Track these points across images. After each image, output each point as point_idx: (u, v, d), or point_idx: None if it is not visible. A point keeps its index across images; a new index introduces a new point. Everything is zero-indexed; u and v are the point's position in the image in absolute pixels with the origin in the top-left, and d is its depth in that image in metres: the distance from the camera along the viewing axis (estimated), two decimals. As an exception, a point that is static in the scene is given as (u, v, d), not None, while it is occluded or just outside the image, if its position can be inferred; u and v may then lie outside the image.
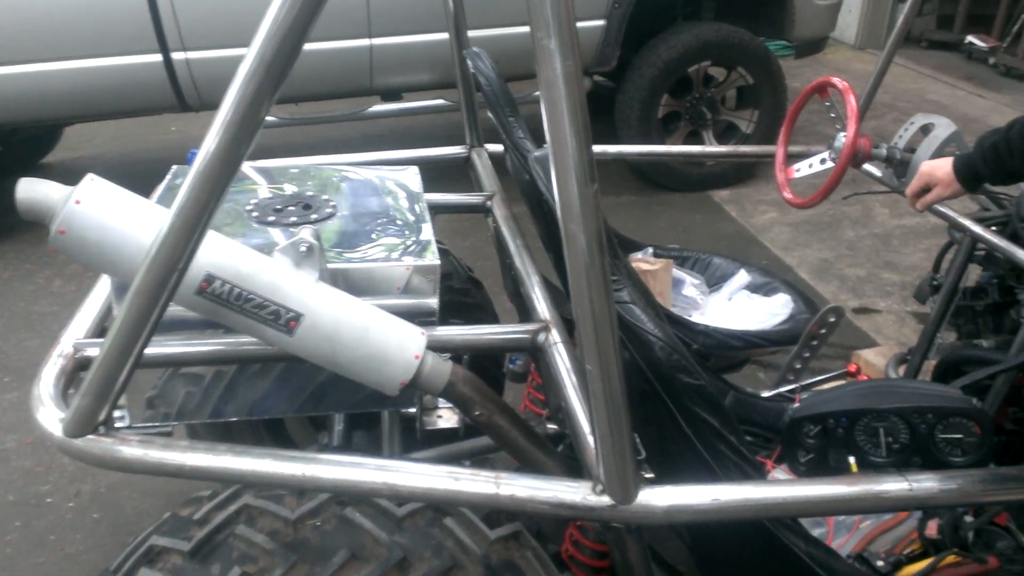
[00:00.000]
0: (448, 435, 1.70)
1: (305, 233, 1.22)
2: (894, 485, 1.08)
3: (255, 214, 1.42)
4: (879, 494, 1.08)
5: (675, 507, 1.05)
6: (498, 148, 2.19)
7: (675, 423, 1.19)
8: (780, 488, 1.08)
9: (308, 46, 0.86)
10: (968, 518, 1.49)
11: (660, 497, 1.06)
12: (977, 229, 1.91)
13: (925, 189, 1.79)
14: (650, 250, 2.34)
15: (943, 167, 1.73)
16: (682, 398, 1.16)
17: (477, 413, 1.28)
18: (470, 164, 2.21)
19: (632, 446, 1.03)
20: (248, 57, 0.83)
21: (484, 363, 2.20)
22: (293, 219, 1.42)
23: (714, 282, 2.43)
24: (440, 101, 4.57)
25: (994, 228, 2.05)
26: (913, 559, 1.44)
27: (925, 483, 1.08)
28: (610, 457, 1.03)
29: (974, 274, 2.12)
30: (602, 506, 1.05)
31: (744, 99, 4.83)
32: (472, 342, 1.40)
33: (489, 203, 1.97)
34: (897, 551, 1.48)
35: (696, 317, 2.26)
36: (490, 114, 1.86)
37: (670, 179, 4.85)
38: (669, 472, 1.28)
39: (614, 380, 1.00)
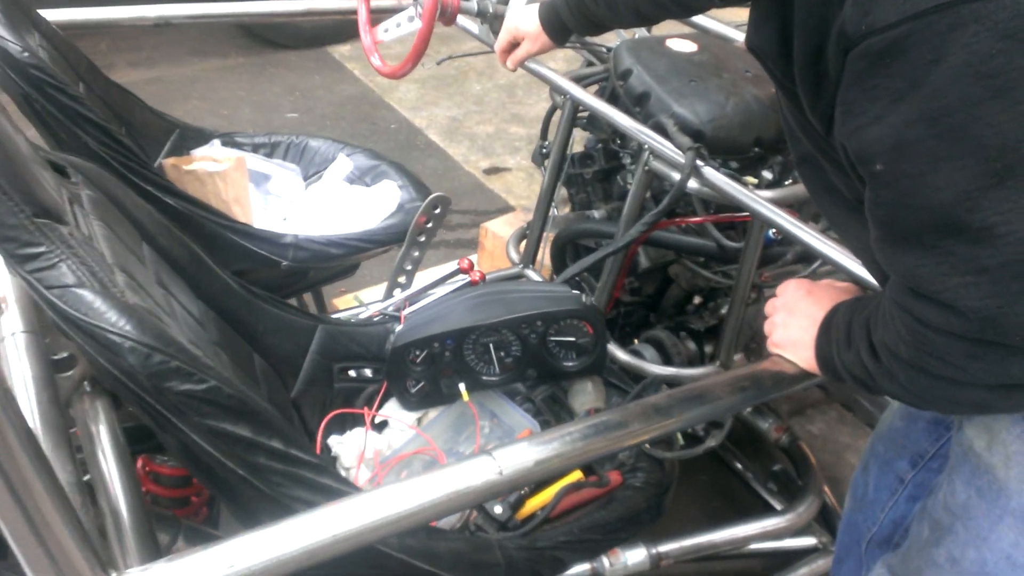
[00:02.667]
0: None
1: None
2: (483, 473, 0.83)
3: None
4: (469, 490, 0.82)
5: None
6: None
7: (195, 447, 0.83)
8: (346, 511, 0.78)
9: None
10: (586, 427, 1.36)
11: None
12: (575, 91, 1.73)
13: (515, 44, 1.55)
14: (216, 142, 1.86)
15: (529, 18, 1.49)
16: (187, 413, 0.80)
17: None
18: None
19: (77, 524, 0.65)
20: None
21: None
22: None
23: (314, 171, 2.05)
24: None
25: (595, 87, 1.90)
26: (534, 491, 1.27)
27: (516, 460, 0.85)
28: (57, 547, 0.65)
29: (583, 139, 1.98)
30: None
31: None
32: None
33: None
34: (517, 483, 1.31)
35: (291, 221, 1.88)
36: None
37: (281, 34, 4.25)
38: (237, 512, 0.93)
39: (21, 444, 0.60)
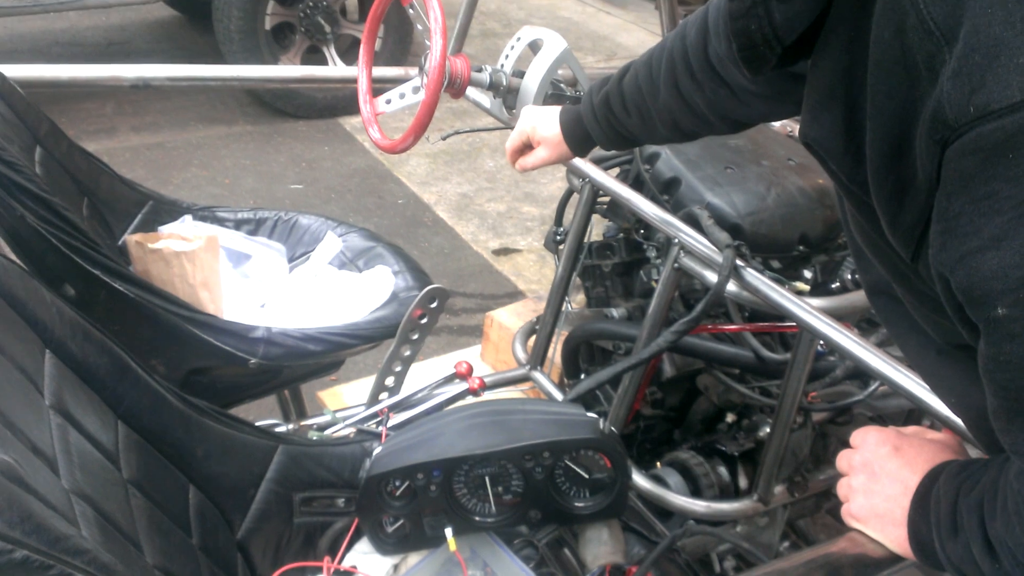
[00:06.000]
0: None
1: None
2: None
3: None
4: None
5: None
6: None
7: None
8: None
9: None
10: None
11: None
12: (596, 174, 1.53)
13: (528, 145, 1.35)
14: (188, 218, 1.66)
15: (549, 123, 1.29)
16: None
17: None
18: None
19: None
20: None
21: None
22: None
23: (301, 251, 1.84)
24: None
25: (618, 171, 1.70)
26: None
27: None
28: None
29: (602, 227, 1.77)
30: None
31: (367, 10, 4.21)
32: None
33: None
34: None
35: (269, 309, 1.66)
36: None
37: (291, 104, 4.13)
38: None
39: None
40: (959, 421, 0.98)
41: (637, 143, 1.23)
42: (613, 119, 1.16)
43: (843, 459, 0.85)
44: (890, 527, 0.78)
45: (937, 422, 1.09)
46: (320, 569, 1.07)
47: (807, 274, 1.58)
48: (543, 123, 1.29)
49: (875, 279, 0.81)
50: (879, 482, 0.80)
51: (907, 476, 0.78)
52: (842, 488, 0.84)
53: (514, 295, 2.96)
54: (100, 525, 0.70)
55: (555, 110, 1.29)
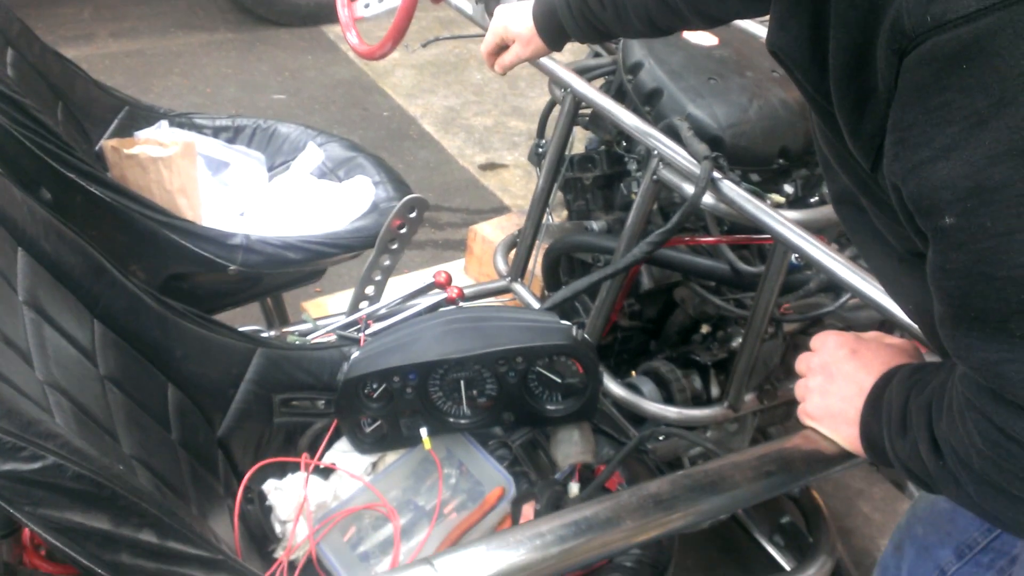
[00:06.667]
0: None
1: None
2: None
3: None
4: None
5: None
6: None
7: (41, 538, 0.61)
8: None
9: None
10: (574, 485, 1.15)
11: None
12: (577, 85, 1.51)
13: (503, 47, 1.34)
14: (164, 123, 1.64)
15: (521, 19, 1.28)
16: (14, 501, 0.58)
17: None
18: None
19: None
20: None
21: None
22: None
23: (281, 160, 1.83)
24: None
25: (601, 81, 1.68)
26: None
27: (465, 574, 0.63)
28: None
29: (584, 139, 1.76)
30: None
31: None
32: None
33: None
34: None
35: (249, 217, 1.66)
36: None
37: (273, 11, 4.02)
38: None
39: None
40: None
41: (610, 36, 1.23)
42: (588, 12, 1.15)
43: (802, 361, 0.88)
44: (843, 426, 0.81)
45: (906, 333, 1.12)
46: (299, 466, 1.11)
47: (787, 188, 1.58)
48: (515, 20, 1.28)
49: (841, 188, 0.82)
50: (835, 383, 0.83)
51: (862, 378, 0.81)
52: (800, 389, 0.87)
53: (499, 210, 2.96)
54: (75, 415, 0.73)
55: (527, 5, 1.28)
